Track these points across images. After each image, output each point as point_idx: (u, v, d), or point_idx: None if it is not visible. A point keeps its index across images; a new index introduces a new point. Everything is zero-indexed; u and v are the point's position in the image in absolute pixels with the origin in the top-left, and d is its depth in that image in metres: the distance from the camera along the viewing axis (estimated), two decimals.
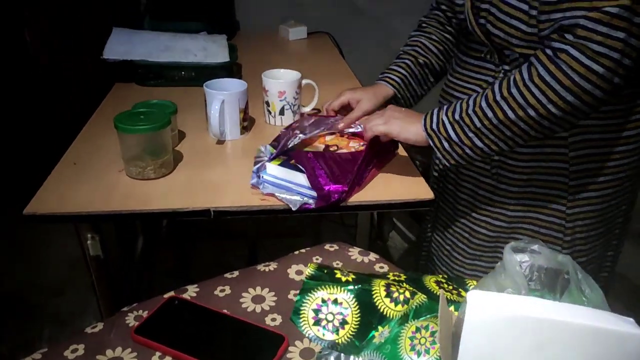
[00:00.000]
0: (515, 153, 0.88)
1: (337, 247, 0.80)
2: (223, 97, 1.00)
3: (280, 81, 1.09)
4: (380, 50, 2.32)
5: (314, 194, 0.83)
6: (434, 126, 0.80)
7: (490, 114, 0.74)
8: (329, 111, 1.06)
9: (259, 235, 2.02)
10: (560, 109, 0.71)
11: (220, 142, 1.04)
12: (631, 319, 0.45)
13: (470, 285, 0.65)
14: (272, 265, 0.75)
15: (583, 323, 0.43)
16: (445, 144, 0.80)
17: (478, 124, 0.76)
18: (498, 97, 0.74)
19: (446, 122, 0.79)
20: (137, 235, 1.86)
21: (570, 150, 0.85)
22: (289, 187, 0.86)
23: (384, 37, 2.30)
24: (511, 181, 0.91)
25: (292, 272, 0.74)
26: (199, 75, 1.32)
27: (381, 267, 0.76)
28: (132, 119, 0.88)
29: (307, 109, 1.16)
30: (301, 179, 0.85)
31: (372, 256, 0.79)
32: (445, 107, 0.82)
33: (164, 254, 2.00)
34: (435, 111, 0.82)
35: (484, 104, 0.75)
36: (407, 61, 1.05)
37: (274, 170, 0.88)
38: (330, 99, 1.07)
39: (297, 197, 0.84)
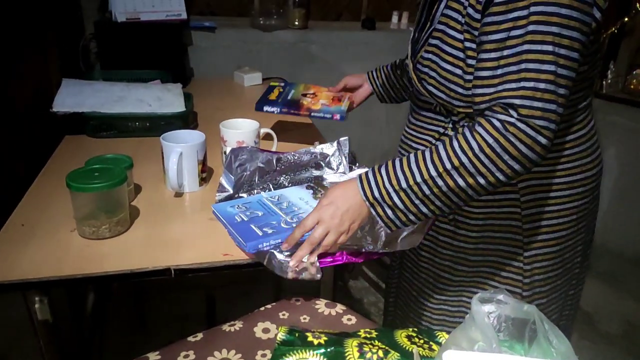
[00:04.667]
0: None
1: (302, 300, 0.78)
2: (181, 149, 0.99)
3: (238, 131, 1.09)
4: None
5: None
6: (376, 195, 0.78)
7: (440, 183, 0.75)
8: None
9: (215, 284, 1.96)
10: (507, 176, 0.73)
11: (179, 194, 1.02)
12: None
13: (441, 337, 0.66)
14: (237, 325, 0.73)
15: None
16: (389, 212, 0.78)
17: (427, 192, 0.76)
18: (448, 166, 0.74)
19: (390, 190, 0.77)
20: (87, 292, 1.76)
21: (521, 195, 0.89)
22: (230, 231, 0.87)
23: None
24: (469, 226, 0.93)
25: (258, 330, 0.72)
26: (154, 125, 1.30)
27: (349, 320, 0.75)
28: (86, 176, 0.85)
29: None
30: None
31: (339, 307, 0.78)
32: (382, 172, 0.79)
33: (117, 308, 1.90)
34: (372, 180, 0.79)
35: (433, 173, 0.75)
36: (390, 67, 1.21)
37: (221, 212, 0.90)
38: (287, 146, 1.08)
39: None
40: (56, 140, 1.28)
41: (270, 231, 0.84)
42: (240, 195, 1.00)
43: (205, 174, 1.05)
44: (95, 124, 1.30)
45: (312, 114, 1.22)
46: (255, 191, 1.01)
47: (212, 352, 0.67)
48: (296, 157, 1.06)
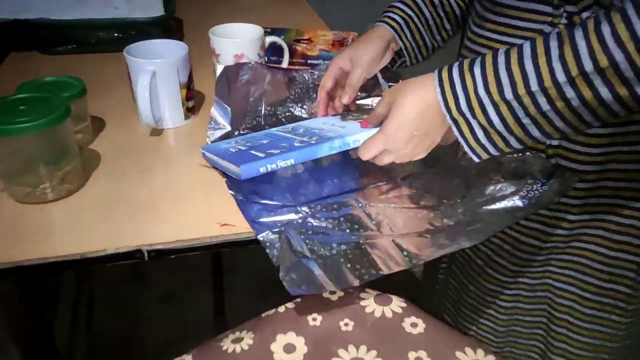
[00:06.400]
0: (583, 135, 0.62)
1: (341, 294, 0.53)
2: (154, 67, 0.69)
3: (236, 40, 0.78)
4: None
5: None
6: (463, 107, 0.52)
7: (570, 93, 0.47)
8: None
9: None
10: None
11: (156, 132, 0.73)
12: None
13: None
14: (245, 339, 0.48)
15: None
16: (479, 133, 0.52)
17: (545, 107, 0.48)
18: (589, 68, 0.45)
19: (486, 101, 0.50)
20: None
21: None
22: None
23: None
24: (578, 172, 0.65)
25: (278, 349, 0.47)
26: (124, 36, 0.99)
27: (414, 325, 0.50)
28: (9, 111, 0.56)
29: None
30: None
31: (397, 303, 0.52)
32: (474, 71, 0.51)
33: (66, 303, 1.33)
34: (458, 82, 0.52)
35: (560, 78, 0.47)
36: None
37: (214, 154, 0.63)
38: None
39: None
40: None
41: (277, 151, 0.58)
42: (242, 132, 0.71)
43: (192, 102, 0.76)
44: (47, 35, 0.98)
45: (309, 61, 0.95)
46: (264, 126, 0.73)
47: None
48: (315, 76, 0.77)
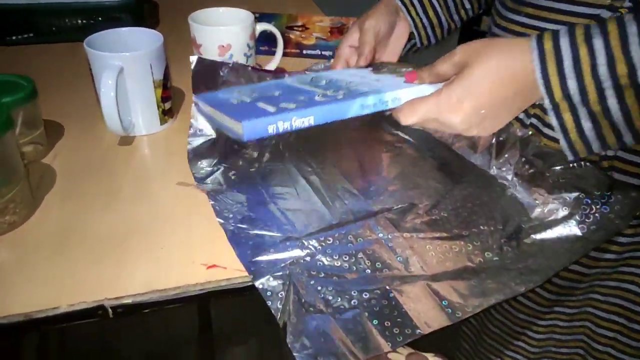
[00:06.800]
0: None
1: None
2: (121, 62, 0.56)
3: (221, 28, 0.65)
4: None
5: None
6: (572, 90, 0.40)
7: None
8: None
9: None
10: None
11: (126, 141, 0.61)
12: None
13: None
14: None
15: None
16: (587, 125, 0.41)
17: None
18: None
19: (607, 84, 0.39)
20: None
21: None
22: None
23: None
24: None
25: None
26: (90, 22, 0.85)
27: None
28: None
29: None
30: None
31: None
32: (593, 44, 0.40)
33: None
34: (567, 55, 0.40)
35: None
36: None
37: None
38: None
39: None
40: None
41: (292, 106, 0.44)
42: (229, 141, 0.59)
43: (169, 103, 0.63)
44: (2, 23, 0.84)
45: (305, 51, 0.83)
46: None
47: None
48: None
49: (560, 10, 0.52)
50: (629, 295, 0.61)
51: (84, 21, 0.85)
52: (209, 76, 0.59)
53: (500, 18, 0.61)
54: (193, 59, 0.58)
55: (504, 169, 0.54)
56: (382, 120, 0.63)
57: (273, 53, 0.75)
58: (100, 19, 0.84)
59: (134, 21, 0.86)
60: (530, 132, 0.52)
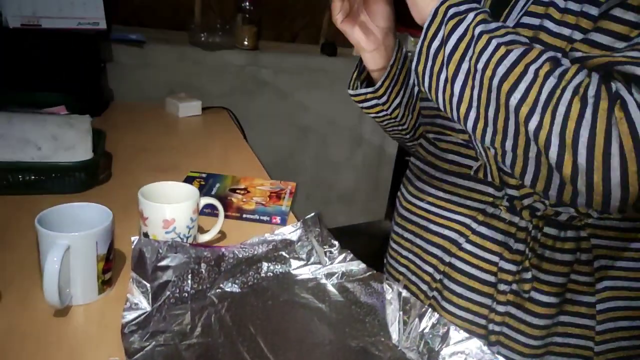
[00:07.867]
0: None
1: None
2: (68, 241, 0.61)
3: (165, 206, 0.72)
4: (284, 126, 2.05)
5: None
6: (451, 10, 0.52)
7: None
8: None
9: None
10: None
11: (62, 313, 0.63)
12: None
13: None
14: None
15: None
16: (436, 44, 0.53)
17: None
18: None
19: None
20: None
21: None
22: None
23: (289, 113, 2.04)
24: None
25: None
26: (45, 179, 0.90)
27: None
28: None
29: (205, 238, 0.81)
30: None
31: None
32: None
33: None
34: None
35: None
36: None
37: None
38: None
39: None
40: None
41: None
42: (166, 314, 0.63)
43: (109, 274, 0.67)
44: None
45: (244, 215, 0.92)
46: (190, 305, 0.65)
47: None
48: (247, 252, 0.72)
49: (454, 202, 0.64)
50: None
51: (37, 177, 0.90)
52: (148, 252, 0.64)
53: (406, 202, 0.72)
54: (134, 239, 0.63)
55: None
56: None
57: (216, 215, 0.82)
58: (54, 176, 0.90)
59: (86, 178, 0.92)
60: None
